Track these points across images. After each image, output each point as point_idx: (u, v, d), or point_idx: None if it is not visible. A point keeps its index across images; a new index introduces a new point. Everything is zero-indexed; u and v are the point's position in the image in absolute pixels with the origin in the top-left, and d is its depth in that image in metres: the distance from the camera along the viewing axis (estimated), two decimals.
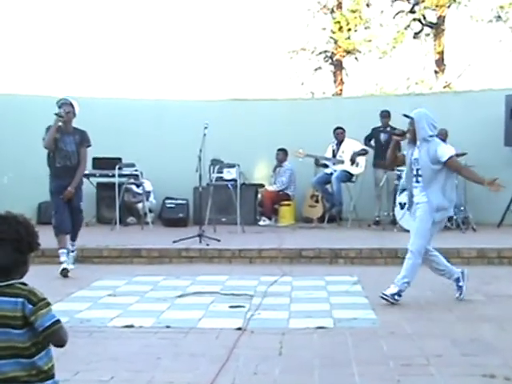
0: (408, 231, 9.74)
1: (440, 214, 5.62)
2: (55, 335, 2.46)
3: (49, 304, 2.48)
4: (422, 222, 5.60)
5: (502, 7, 19.51)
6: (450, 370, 3.87)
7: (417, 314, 5.37)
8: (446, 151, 5.57)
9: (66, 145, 7.14)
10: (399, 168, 10.52)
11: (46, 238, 7.40)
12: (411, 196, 5.75)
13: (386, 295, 5.61)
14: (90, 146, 7.39)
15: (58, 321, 2.47)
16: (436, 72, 20.96)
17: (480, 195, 10.69)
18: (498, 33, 20.85)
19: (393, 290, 5.63)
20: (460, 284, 5.85)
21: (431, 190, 5.56)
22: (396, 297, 5.62)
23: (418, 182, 5.67)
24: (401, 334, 4.71)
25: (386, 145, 11.01)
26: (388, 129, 11.08)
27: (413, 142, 5.72)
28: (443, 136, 10.95)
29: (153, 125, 12.08)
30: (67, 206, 7.20)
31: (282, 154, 11.61)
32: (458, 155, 10.46)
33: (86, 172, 11.24)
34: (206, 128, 8.98)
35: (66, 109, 7.12)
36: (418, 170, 5.66)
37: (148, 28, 30.81)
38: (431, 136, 5.65)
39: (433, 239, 5.80)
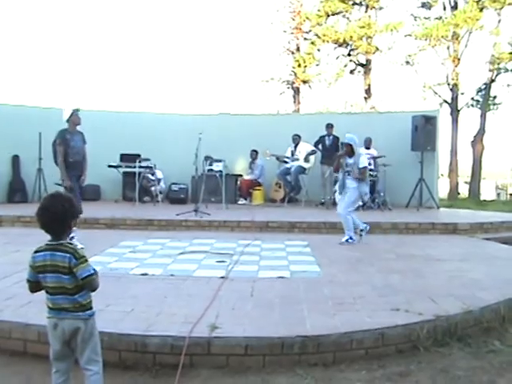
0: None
1: (360, 192, 6.69)
2: (90, 283, 2.49)
3: (87, 260, 2.49)
4: (352, 197, 6.62)
5: (409, 55, 19.96)
6: (370, 307, 3.93)
7: (349, 268, 5.41)
8: (363, 162, 6.66)
9: (76, 143, 6.61)
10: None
11: (87, 210, 7.28)
12: (343, 185, 6.71)
13: (343, 242, 6.61)
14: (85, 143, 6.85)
15: (92, 274, 2.49)
16: (365, 98, 21.13)
17: (395, 184, 10.86)
18: (407, 73, 21.40)
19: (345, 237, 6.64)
20: (361, 233, 6.75)
21: (357, 180, 6.67)
22: (350, 240, 6.65)
23: (349, 175, 6.67)
24: (337, 282, 4.74)
25: (329, 148, 11.08)
26: (331, 137, 11.13)
27: (348, 155, 6.63)
28: (368, 143, 11.05)
29: (163, 132, 12.00)
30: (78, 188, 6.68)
31: (254, 154, 11.64)
32: (378, 157, 10.62)
33: (115, 164, 11.29)
34: (200, 134, 8.94)
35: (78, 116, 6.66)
36: (349, 170, 6.68)
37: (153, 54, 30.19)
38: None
39: (360, 215, 6.11)
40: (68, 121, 6.60)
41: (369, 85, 20.95)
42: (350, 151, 6.61)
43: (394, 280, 4.80)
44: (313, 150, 11.05)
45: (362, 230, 6.81)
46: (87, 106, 10.45)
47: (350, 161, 6.65)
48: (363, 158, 6.70)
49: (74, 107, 6.68)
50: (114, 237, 7.22)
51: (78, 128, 6.69)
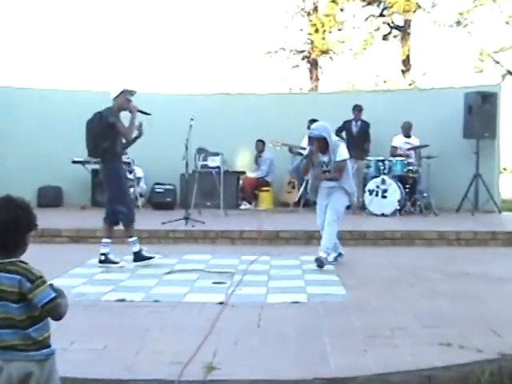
0: (376, 215, 9.96)
1: (348, 192, 6.53)
2: (53, 311, 2.45)
3: (45, 281, 2.46)
4: (339, 201, 6.41)
5: (461, 14, 19.71)
6: (412, 340, 3.90)
7: (383, 290, 5.39)
8: (342, 154, 6.40)
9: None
10: (368, 158, 10.61)
11: (45, 219, 7.35)
12: (316, 190, 6.56)
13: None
14: None
15: (55, 298, 2.45)
16: (403, 71, 21.05)
17: (441, 183, 10.81)
18: (458, 36, 21.09)
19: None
20: (338, 258, 6.54)
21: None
22: (339, 258, 6.54)
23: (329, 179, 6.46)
24: (368, 308, 4.73)
25: (357, 136, 11.11)
26: (359, 122, 11.13)
27: (320, 151, 6.37)
28: (407, 129, 11.04)
29: (143, 116, 11.96)
30: None
31: (260, 145, 11.66)
32: (420, 147, 10.61)
33: (81, 159, 11.29)
34: (192, 120, 8.94)
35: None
36: (326, 171, 6.46)
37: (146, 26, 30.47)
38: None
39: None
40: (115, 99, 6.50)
41: (407, 54, 20.87)
42: (323, 146, 6.26)
43: (443, 306, 4.78)
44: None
45: (339, 255, 6.54)
46: (37, 83, 10.46)
47: (325, 158, 6.33)
48: (342, 149, 6.39)
49: (126, 87, 6.56)
50: (80, 253, 7.22)
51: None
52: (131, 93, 6.60)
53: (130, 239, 6.48)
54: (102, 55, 29.20)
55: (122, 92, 6.52)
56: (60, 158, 11.17)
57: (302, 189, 11.28)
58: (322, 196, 6.46)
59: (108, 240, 6.44)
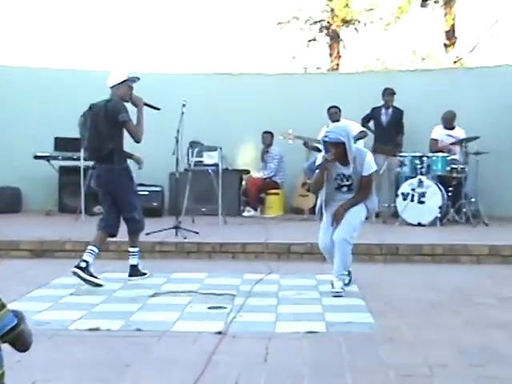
0: (412, 224, 9.94)
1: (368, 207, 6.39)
2: (17, 340, 2.43)
3: (4, 305, 2.44)
4: (356, 215, 6.23)
5: None
6: (457, 381, 3.88)
7: (419, 317, 5.37)
8: (370, 165, 6.22)
9: None
10: (402, 154, 10.60)
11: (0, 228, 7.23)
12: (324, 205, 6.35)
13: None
14: None
15: (17, 325, 2.44)
16: (446, 45, 20.94)
17: (493, 185, 10.78)
18: None
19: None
20: (346, 284, 6.28)
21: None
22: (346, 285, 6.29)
23: (349, 191, 6.26)
24: (401, 340, 4.71)
25: (387, 127, 11.12)
26: (390, 109, 11.14)
27: (339, 161, 6.12)
28: (450, 119, 11.03)
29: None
30: None
31: (268, 138, 11.66)
32: (469, 139, 10.58)
33: (46, 154, 11.33)
34: (184, 106, 8.93)
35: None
36: (347, 185, 6.28)
37: None
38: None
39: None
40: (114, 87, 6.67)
41: (452, 25, 20.80)
42: (342, 154, 5.99)
43: (495, 338, 4.76)
44: (361, 132, 11.03)
45: (348, 274, 6.38)
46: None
47: (345, 170, 6.12)
48: (370, 158, 6.19)
49: (130, 72, 6.74)
50: (44, 271, 7.24)
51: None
52: (134, 80, 6.75)
53: (132, 249, 6.78)
54: (79, 28, 29.28)
55: (125, 80, 6.67)
56: (19, 152, 11.18)
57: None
58: (332, 210, 6.23)
59: (96, 249, 6.56)
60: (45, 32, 24.93)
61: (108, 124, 6.54)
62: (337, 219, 6.11)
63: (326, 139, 6.02)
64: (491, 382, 3.84)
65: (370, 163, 6.15)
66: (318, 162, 6.26)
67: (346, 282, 6.25)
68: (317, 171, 6.26)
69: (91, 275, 6.40)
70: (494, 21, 21.82)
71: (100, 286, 6.38)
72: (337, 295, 6.04)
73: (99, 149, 6.63)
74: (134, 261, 6.80)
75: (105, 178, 6.72)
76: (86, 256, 6.45)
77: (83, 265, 6.38)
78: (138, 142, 6.73)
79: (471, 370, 4.07)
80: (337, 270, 6.14)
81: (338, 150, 5.97)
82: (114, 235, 6.78)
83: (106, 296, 6.05)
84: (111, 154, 6.60)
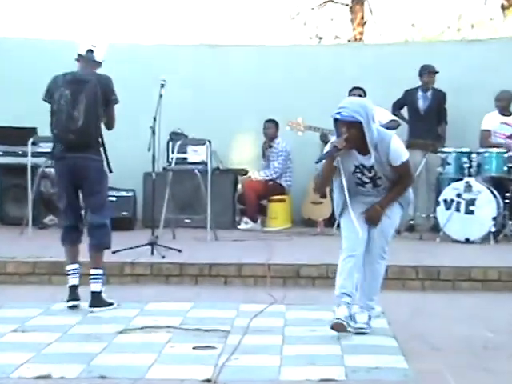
0: (458, 241, 9.93)
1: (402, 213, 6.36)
2: None
3: None
4: (390, 226, 6.17)
5: None
6: None
7: (468, 362, 5.34)
8: (400, 151, 6.03)
9: None
10: (444, 149, 10.58)
11: None
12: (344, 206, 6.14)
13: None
14: None
15: None
16: (503, 8, 20.93)
17: None
18: None
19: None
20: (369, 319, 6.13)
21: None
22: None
23: (375, 188, 6.12)
24: None
25: (426, 115, 11.09)
26: (429, 92, 11.13)
27: (356, 148, 5.94)
28: (504, 103, 11.00)
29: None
30: None
31: (272, 128, 11.64)
32: None
33: None
34: (162, 86, 8.95)
35: None
36: (373, 178, 6.10)
37: None
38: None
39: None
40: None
41: None
42: (358, 138, 5.82)
43: None
44: (391, 121, 11.03)
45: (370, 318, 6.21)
46: None
47: (367, 161, 5.94)
48: (396, 143, 5.95)
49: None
50: None
51: None
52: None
53: (95, 271, 6.83)
54: None
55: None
56: None
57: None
58: (358, 209, 6.08)
59: (77, 266, 6.86)
60: None
61: (99, 103, 6.78)
62: (374, 222, 6.01)
63: (338, 117, 5.81)
64: None
65: (397, 150, 5.93)
66: (325, 150, 6.05)
67: (373, 314, 6.22)
68: (323, 162, 6.03)
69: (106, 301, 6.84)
70: None
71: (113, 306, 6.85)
72: (360, 332, 6.01)
73: (88, 133, 6.75)
74: (97, 287, 6.80)
75: (85, 169, 6.80)
76: (71, 280, 6.83)
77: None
78: (111, 128, 7.06)
79: None
80: (364, 297, 6.12)
81: (353, 133, 5.77)
82: (79, 240, 6.96)
83: (60, 333, 6.01)
84: (97, 141, 6.83)
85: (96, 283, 6.81)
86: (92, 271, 6.81)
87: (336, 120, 5.85)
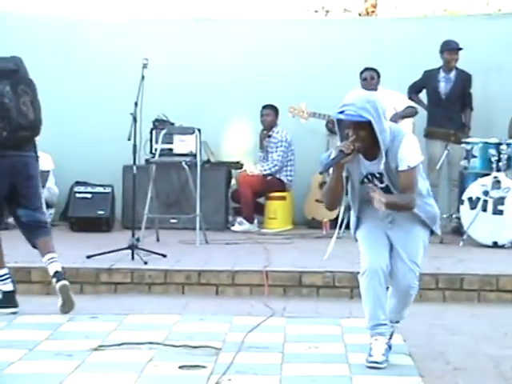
0: (484, 245, 9.93)
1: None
2: None
3: None
4: (419, 242, 6.08)
5: None
6: None
7: (494, 382, 5.36)
8: (412, 154, 5.80)
9: None
10: (469, 140, 10.59)
11: None
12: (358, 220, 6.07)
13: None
14: None
15: None
16: None
17: None
18: None
19: None
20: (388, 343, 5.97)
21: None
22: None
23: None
24: None
25: (448, 100, 11.10)
26: (452, 73, 11.13)
27: (364, 153, 5.79)
28: None
29: (54, 58, 12.04)
30: None
31: (270, 115, 11.65)
32: None
33: None
34: (144, 67, 8.96)
35: None
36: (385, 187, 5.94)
37: None
38: None
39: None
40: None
41: None
42: (368, 140, 5.68)
43: None
44: (408, 108, 11.05)
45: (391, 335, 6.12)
46: None
47: (376, 167, 5.80)
48: (409, 142, 5.79)
49: None
50: None
51: None
52: None
53: (54, 254, 7.09)
54: None
55: None
56: None
57: (345, 196, 11.29)
58: (374, 222, 6.00)
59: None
60: None
61: (34, 91, 6.99)
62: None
63: (341, 117, 5.64)
64: None
65: (408, 150, 5.73)
66: (332, 156, 5.82)
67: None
68: (330, 172, 5.89)
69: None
70: None
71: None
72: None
73: (36, 126, 7.10)
74: (8, 286, 7.16)
75: (27, 167, 7.07)
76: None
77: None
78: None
79: None
80: (397, 315, 6.10)
81: (362, 135, 5.62)
82: None
83: (24, 350, 6.00)
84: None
85: (58, 262, 7.08)
86: (51, 255, 7.05)
87: (339, 121, 5.73)
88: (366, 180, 5.80)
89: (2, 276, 7.10)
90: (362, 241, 5.96)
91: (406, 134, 5.82)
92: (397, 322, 6.13)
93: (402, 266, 5.80)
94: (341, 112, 5.60)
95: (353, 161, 5.71)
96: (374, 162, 5.70)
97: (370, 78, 11.09)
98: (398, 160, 5.66)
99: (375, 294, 5.79)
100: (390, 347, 5.84)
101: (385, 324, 5.81)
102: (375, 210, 5.77)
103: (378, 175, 5.76)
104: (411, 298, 6.01)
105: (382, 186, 5.76)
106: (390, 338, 5.96)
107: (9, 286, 7.11)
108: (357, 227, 6.00)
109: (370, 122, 5.53)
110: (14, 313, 7.06)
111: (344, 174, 5.79)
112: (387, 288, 5.95)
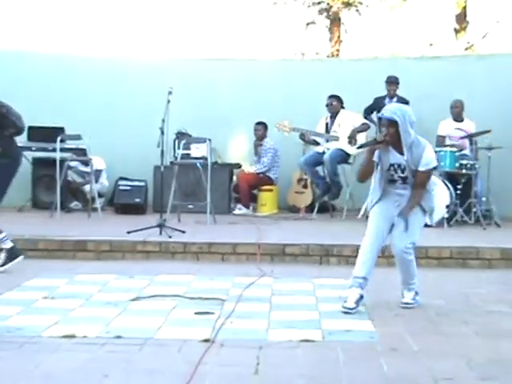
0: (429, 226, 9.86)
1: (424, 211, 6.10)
2: None
3: None
4: (415, 220, 5.97)
5: None
6: None
7: (424, 326, 5.36)
8: (431, 158, 5.90)
9: None
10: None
11: None
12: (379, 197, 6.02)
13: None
14: None
15: None
16: (456, 31, 20.93)
17: (506, 184, 10.79)
18: None
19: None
20: (413, 302, 6.03)
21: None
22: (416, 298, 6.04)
23: (404, 184, 5.97)
24: (404, 350, 4.69)
25: None
26: (394, 99, 11.12)
27: (393, 145, 5.86)
28: (458, 111, 11.01)
29: (105, 88, 11.99)
30: None
31: (261, 129, 11.68)
32: (477, 134, 10.55)
33: (19, 144, 11.24)
34: (170, 93, 8.94)
35: None
36: (403, 177, 5.96)
37: None
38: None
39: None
40: None
41: (464, 7, 20.73)
42: (396, 138, 5.78)
43: (509, 350, 4.74)
44: (363, 124, 11.04)
45: (416, 293, 6.11)
46: None
47: (402, 160, 5.83)
48: (430, 152, 5.92)
49: None
50: (14, 272, 7.18)
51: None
52: None
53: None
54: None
55: None
56: None
57: (317, 189, 11.29)
58: (388, 202, 5.98)
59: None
60: None
61: None
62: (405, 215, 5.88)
63: (381, 116, 5.90)
64: None
65: (429, 157, 5.84)
66: (368, 141, 6.13)
67: (418, 289, 6.09)
68: (364, 153, 6.03)
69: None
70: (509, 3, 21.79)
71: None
72: (408, 307, 5.90)
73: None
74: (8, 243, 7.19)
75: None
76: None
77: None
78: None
79: None
80: (404, 283, 6.08)
81: (391, 131, 5.76)
82: None
83: (83, 300, 6.02)
84: None
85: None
86: None
87: (380, 119, 5.97)
88: (391, 168, 5.87)
89: (3, 238, 7.08)
90: (371, 219, 6.00)
91: (428, 144, 5.96)
92: (412, 288, 6.03)
93: (399, 234, 5.86)
94: (382, 113, 5.88)
95: (385, 151, 5.84)
96: (401, 157, 5.80)
97: (330, 104, 11.12)
98: (422, 163, 5.78)
99: (363, 253, 5.89)
100: (361, 297, 5.81)
101: (362, 278, 5.80)
102: (391, 194, 5.93)
103: (402, 167, 5.85)
104: (409, 265, 5.97)
105: (402, 175, 5.86)
106: (416, 295, 6.00)
107: (9, 243, 7.11)
108: (373, 205, 6.00)
109: (397, 123, 5.70)
110: (21, 259, 7.18)
111: (376, 160, 5.87)
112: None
